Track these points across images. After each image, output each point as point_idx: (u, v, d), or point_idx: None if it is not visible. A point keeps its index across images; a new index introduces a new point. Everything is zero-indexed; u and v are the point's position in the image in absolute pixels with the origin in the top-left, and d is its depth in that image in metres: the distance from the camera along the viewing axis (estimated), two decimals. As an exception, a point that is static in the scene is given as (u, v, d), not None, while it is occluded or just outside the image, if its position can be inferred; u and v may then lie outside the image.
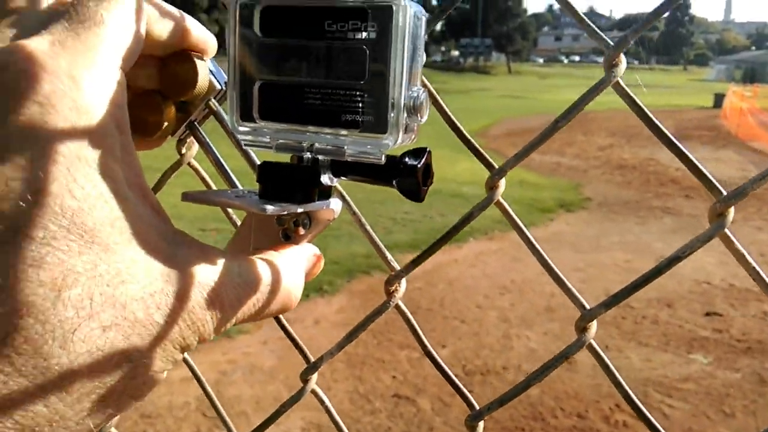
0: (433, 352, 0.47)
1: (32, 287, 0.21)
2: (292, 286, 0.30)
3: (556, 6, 0.40)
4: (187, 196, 0.31)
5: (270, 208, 0.28)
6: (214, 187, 0.48)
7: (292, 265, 0.31)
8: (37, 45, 0.23)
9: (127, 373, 0.23)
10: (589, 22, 0.38)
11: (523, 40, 52.57)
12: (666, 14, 0.38)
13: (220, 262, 0.27)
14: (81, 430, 0.23)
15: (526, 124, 12.94)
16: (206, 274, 0.26)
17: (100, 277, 0.22)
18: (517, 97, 20.90)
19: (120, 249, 0.23)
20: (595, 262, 4.30)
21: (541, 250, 0.42)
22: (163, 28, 0.29)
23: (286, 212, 0.30)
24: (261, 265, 0.29)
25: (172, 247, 0.26)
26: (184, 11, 0.31)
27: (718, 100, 17.32)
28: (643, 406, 0.42)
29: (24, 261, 0.21)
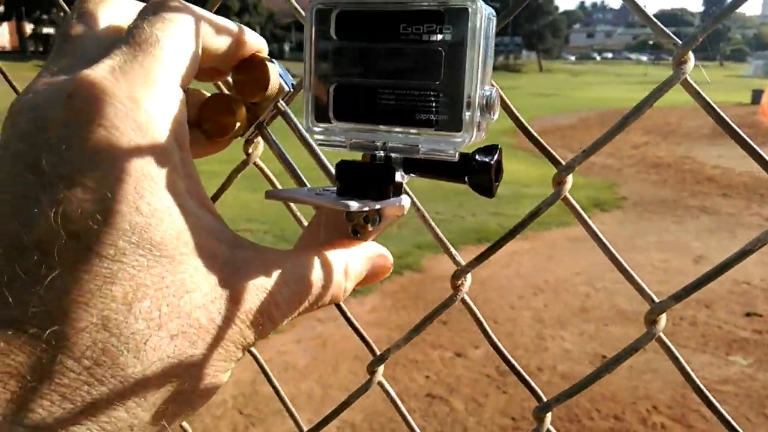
0: (500, 345, 0.48)
1: (106, 302, 0.23)
2: (344, 279, 0.32)
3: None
4: (270, 195, 0.32)
5: (354, 205, 0.30)
6: (278, 186, 0.49)
7: (348, 259, 0.32)
8: (99, 72, 0.25)
9: (195, 375, 0.25)
10: (655, 19, 0.38)
11: (554, 38, 51.94)
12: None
13: (275, 262, 0.28)
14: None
15: (558, 121, 12.79)
16: (262, 275, 0.27)
17: (166, 288, 0.24)
18: (548, 95, 20.67)
19: (185, 259, 0.25)
20: (631, 262, 4.17)
21: (609, 244, 0.42)
22: (219, 42, 0.31)
23: (367, 208, 0.31)
24: (314, 260, 0.30)
25: (230, 251, 0.27)
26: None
27: (756, 96, 16.83)
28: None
29: (97, 278, 0.23)
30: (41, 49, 37.41)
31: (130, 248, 0.23)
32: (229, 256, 0.27)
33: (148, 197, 0.24)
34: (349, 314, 0.53)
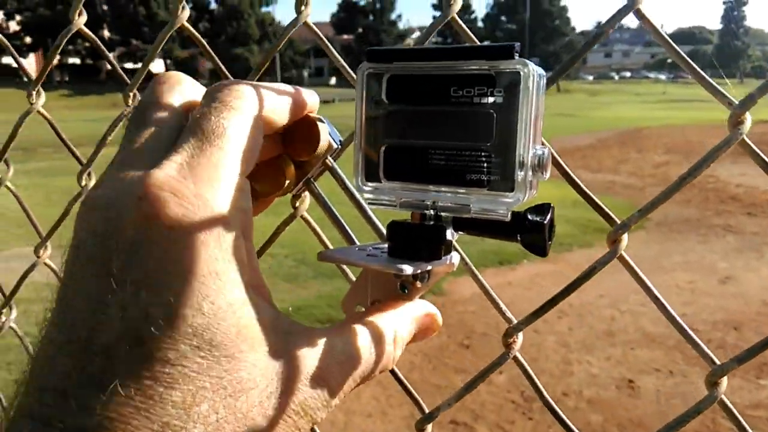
0: (555, 407, 0.47)
1: (167, 408, 0.23)
2: (393, 348, 0.32)
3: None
4: (322, 257, 0.33)
5: (407, 269, 0.30)
6: (324, 238, 0.50)
7: (396, 325, 0.32)
8: (168, 171, 0.25)
9: None
10: (705, 75, 0.38)
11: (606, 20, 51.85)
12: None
13: (324, 343, 0.28)
14: None
15: (577, 142, 12.73)
16: (312, 360, 0.27)
17: (223, 390, 0.24)
18: (567, 115, 20.62)
19: (243, 357, 0.25)
20: (657, 283, 4.07)
21: (665, 302, 0.41)
22: (281, 112, 0.32)
23: (419, 271, 0.31)
24: (364, 333, 0.30)
25: (284, 340, 0.27)
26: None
27: (781, 112, 16.62)
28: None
29: (159, 383, 0.23)
30: (66, 78, 38.38)
31: (191, 351, 0.24)
32: (282, 344, 0.27)
33: (213, 296, 0.24)
34: (400, 375, 0.52)
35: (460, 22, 0.43)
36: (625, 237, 0.42)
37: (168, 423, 0.23)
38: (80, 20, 0.60)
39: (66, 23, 0.59)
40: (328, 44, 0.49)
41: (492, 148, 0.30)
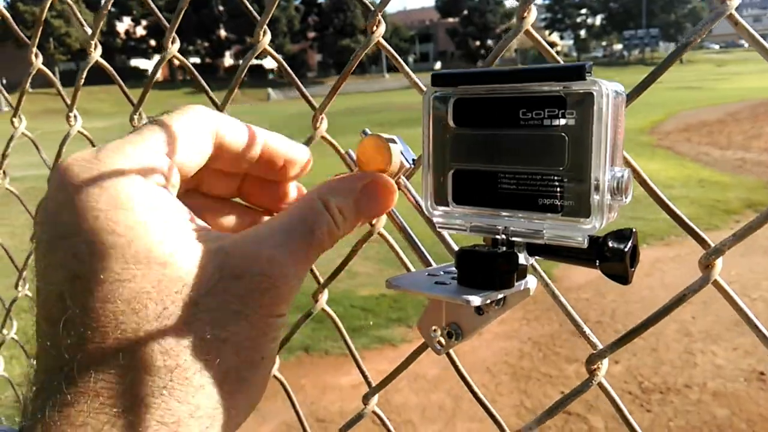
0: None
1: (119, 316, 0.27)
2: (328, 214, 0.34)
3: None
4: (391, 285, 0.34)
5: (475, 300, 0.30)
6: (402, 255, 0.50)
7: (326, 194, 0.34)
8: (83, 152, 0.31)
9: (233, 354, 0.29)
10: None
11: (693, 26, 48.25)
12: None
13: (254, 229, 0.32)
14: (216, 415, 0.28)
15: (703, 116, 11.85)
16: (244, 245, 0.30)
17: (165, 287, 0.28)
18: (692, 88, 19.22)
19: (176, 259, 0.29)
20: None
21: (764, 329, 0.37)
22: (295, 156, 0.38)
23: (489, 301, 0.31)
24: (293, 207, 0.33)
25: (213, 240, 0.30)
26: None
27: None
28: None
29: (107, 301, 0.27)
30: (188, 77, 40.90)
31: (123, 269, 0.27)
32: (214, 245, 0.30)
33: (123, 219, 0.28)
34: (480, 395, 0.51)
35: (536, 34, 0.40)
36: (719, 262, 0.38)
37: (121, 323, 0.27)
38: (174, 48, 0.64)
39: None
40: (399, 60, 0.49)
41: (565, 172, 0.28)
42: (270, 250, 0.30)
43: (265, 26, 0.54)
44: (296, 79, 0.55)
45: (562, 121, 0.28)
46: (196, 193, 0.37)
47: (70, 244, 0.28)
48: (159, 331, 0.27)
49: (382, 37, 0.49)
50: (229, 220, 0.39)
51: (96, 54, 0.72)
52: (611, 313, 3.33)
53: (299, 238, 0.31)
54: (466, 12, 49.93)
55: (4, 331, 1.09)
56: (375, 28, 0.48)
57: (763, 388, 2.54)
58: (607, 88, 0.27)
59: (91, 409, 0.26)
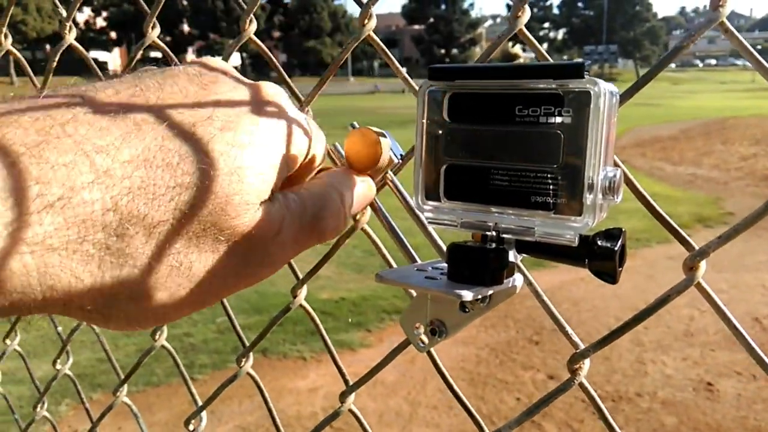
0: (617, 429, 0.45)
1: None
2: (342, 205, 0.34)
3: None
4: (381, 279, 0.33)
5: (467, 295, 0.30)
6: (384, 251, 0.50)
7: (341, 186, 0.34)
8: None
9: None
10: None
11: (652, 45, 49.81)
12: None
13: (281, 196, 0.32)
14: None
15: (657, 132, 12.20)
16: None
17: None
18: (647, 104, 19.78)
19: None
20: (739, 282, 3.94)
21: (746, 335, 0.38)
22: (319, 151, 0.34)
23: (480, 297, 0.31)
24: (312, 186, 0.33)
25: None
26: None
27: None
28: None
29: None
30: (150, 73, 40.04)
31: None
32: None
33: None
34: (459, 392, 0.51)
35: (529, 35, 0.40)
36: (702, 264, 0.39)
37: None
38: (154, 33, 0.62)
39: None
40: (391, 56, 0.48)
41: (559, 170, 0.28)
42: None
43: (252, 15, 0.53)
44: (280, 68, 0.54)
45: (558, 119, 0.28)
46: None
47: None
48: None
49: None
50: None
51: (71, 37, 0.69)
52: (566, 322, 3.38)
53: (308, 222, 0.31)
54: (432, 20, 50.34)
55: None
56: (366, 21, 0.47)
57: (710, 397, 2.62)
58: (604, 87, 0.27)
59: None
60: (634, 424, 2.47)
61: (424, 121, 0.32)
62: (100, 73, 0.68)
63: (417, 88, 0.33)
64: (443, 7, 50.42)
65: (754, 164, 8.60)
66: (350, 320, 3.43)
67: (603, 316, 3.50)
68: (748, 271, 4.19)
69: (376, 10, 0.48)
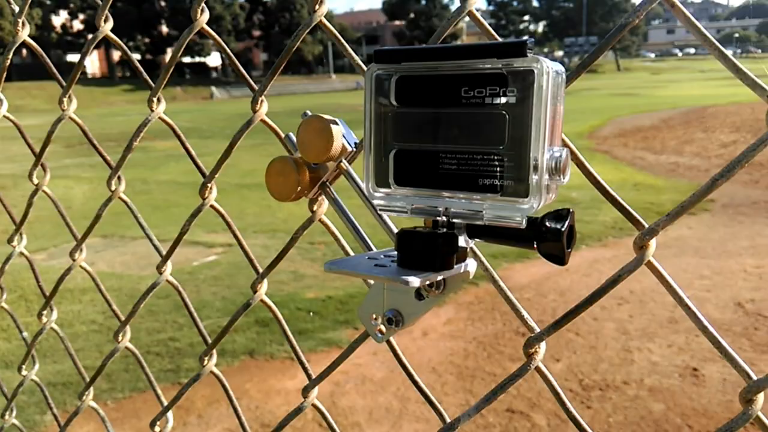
0: (578, 417, 0.45)
1: None
2: None
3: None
4: (330, 268, 0.33)
5: (415, 281, 0.29)
6: (342, 241, 0.49)
7: None
8: None
9: None
10: (740, 65, 0.35)
11: (631, 35, 50.16)
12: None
13: None
14: None
15: (638, 122, 12.30)
16: None
17: None
18: (627, 94, 19.93)
19: None
20: (722, 268, 3.99)
21: (697, 312, 0.38)
22: None
23: (428, 282, 0.30)
24: None
25: None
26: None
27: None
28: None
29: None
30: (128, 74, 39.69)
31: None
32: None
33: None
34: (421, 384, 0.51)
35: (479, 16, 0.40)
36: (653, 242, 0.39)
37: None
38: (107, 26, 0.61)
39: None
40: (344, 42, 0.48)
41: (505, 151, 0.28)
42: None
43: (204, 4, 0.52)
44: (238, 65, 0.53)
45: (503, 99, 0.28)
46: None
47: None
48: None
49: (330, 39, 0.48)
50: None
51: (24, 33, 0.66)
52: (552, 312, 3.41)
53: None
54: (412, 15, 50.28)
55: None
56: (317, 6, 0.46)
57: (696, 383, 2.66)
58: (548, 66, 0.27)
59: None
60: (622, 411, 2.49)
61: (372, 105, 0.31)
62: (60, 77, 0.67)
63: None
64: (423, 2, 50.37)
65: (734, 151, 8.70)
66: (338, 318, 3.43)
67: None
68: (731, 257, 4.24)
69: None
